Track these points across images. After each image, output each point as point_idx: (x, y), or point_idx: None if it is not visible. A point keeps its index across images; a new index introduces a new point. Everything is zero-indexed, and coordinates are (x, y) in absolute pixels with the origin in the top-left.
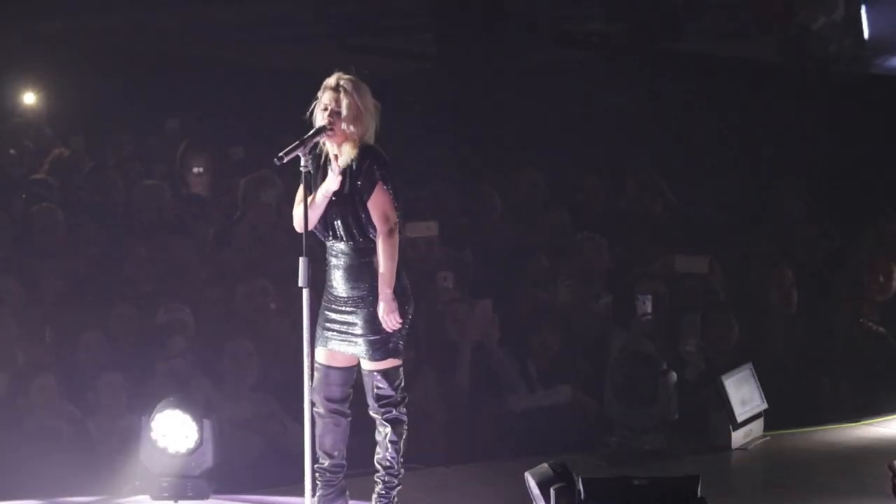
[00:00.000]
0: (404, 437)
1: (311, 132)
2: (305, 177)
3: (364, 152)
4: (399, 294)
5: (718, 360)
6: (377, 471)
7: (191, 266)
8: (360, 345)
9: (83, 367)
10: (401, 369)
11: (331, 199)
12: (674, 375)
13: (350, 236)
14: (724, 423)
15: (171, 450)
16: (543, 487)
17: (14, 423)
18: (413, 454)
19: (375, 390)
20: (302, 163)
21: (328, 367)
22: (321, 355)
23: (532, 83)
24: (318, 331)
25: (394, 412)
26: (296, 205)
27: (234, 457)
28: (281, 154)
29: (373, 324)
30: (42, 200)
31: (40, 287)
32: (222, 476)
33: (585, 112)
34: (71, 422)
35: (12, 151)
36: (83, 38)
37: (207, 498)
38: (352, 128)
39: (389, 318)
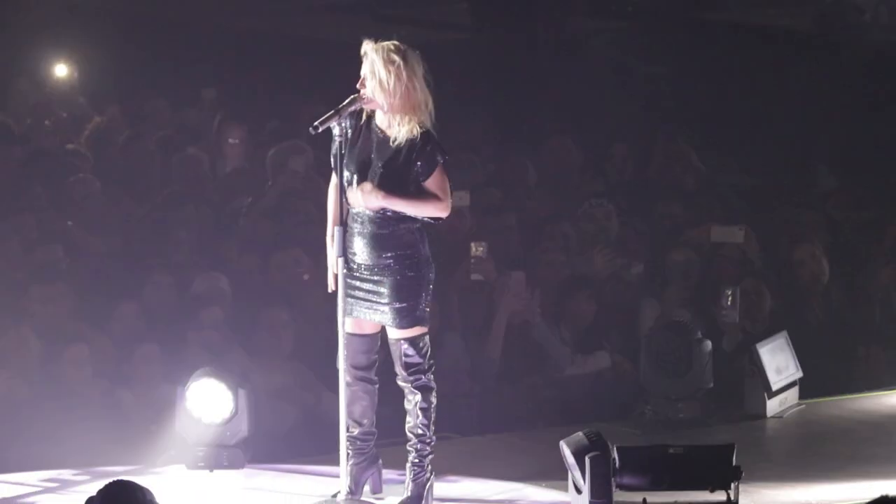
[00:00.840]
0: (434, 404)
1: (346, 101)
2: (339, 146)
3: (426, 138)
4: (421, 261)
5: (752, 329)
6: (409, 439)
7: (226, 236)
8: (386, 313)
9: (119, 336)
10: (427, 336)
11: (377, 170)
12: (709, 344)
13: (385, 209)
14: (758, 392)
15: (207, 419)
16: (578, 456)
17: (50, 392)
18: (447, 423)
19: (404, 358)
20: (337, 132)
21: (352, 335)
22: (345, 324)
23: (567, 53)
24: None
25: (423, 379)
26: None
27: (269, 426)
28: (316, 123)
29: (399, 292)
30: (77, 171)
31: (80, 257)
32: (257, 445)
33: (620, 81)
34: (105, 392)
35: (47, 122)
36: (118, 6)
37: (243, 467)
38: (376, 95)
39: (367, 197)
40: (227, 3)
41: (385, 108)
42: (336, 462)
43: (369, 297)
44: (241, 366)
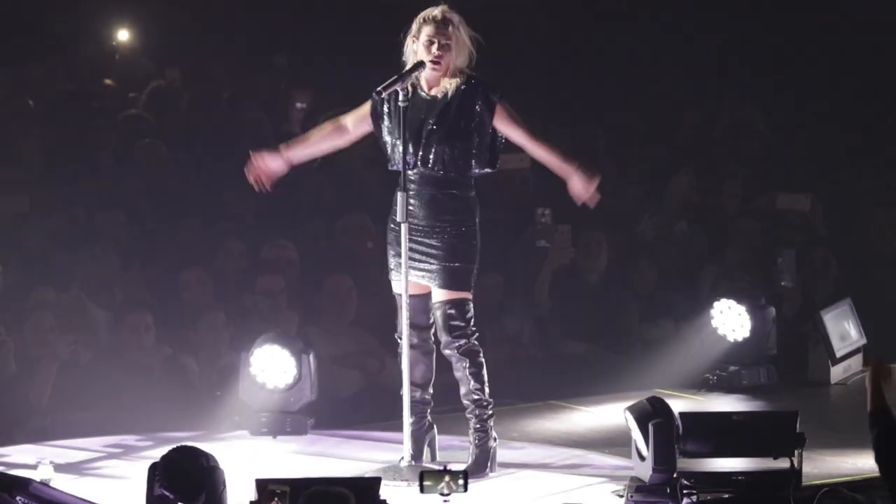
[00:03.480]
0: (484, 367)
1: (411, 66)
2: (403, 111)
3: (471, 81)
4: (476, 228)
5: (817, 296)
6: (467, 407)
7: (292, 202)
8: (437, 273)
9: (185, 303)
10: (470, 303)
11: (431, 128)
12: (772, 310)
13: (445, 167)
14: (822, 359)
15: (270, 385)
16: (642, 423)
17: (114, 358)
18: (512, 389)
19: (449, 321)
20: (401, 97)
21: (412, 296)
22: (398, 285)
23: (631, 19)
24: (393, 261)
25: (467, 343)
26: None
27: (333, 392)
28: (380, 88)
29: (454, 254)
30: (143, 136)
31: (147, 225)
32: (321, 411)
33: (681, 49)
34: (169, 358)
35: (108, 81)
36: None
37: (306, 433)
38: (458, 61)
39: (589, 188)
40: None
41: (448, 73)
42: (399, 428)
43: (420, 257)
44: (304, 332)
